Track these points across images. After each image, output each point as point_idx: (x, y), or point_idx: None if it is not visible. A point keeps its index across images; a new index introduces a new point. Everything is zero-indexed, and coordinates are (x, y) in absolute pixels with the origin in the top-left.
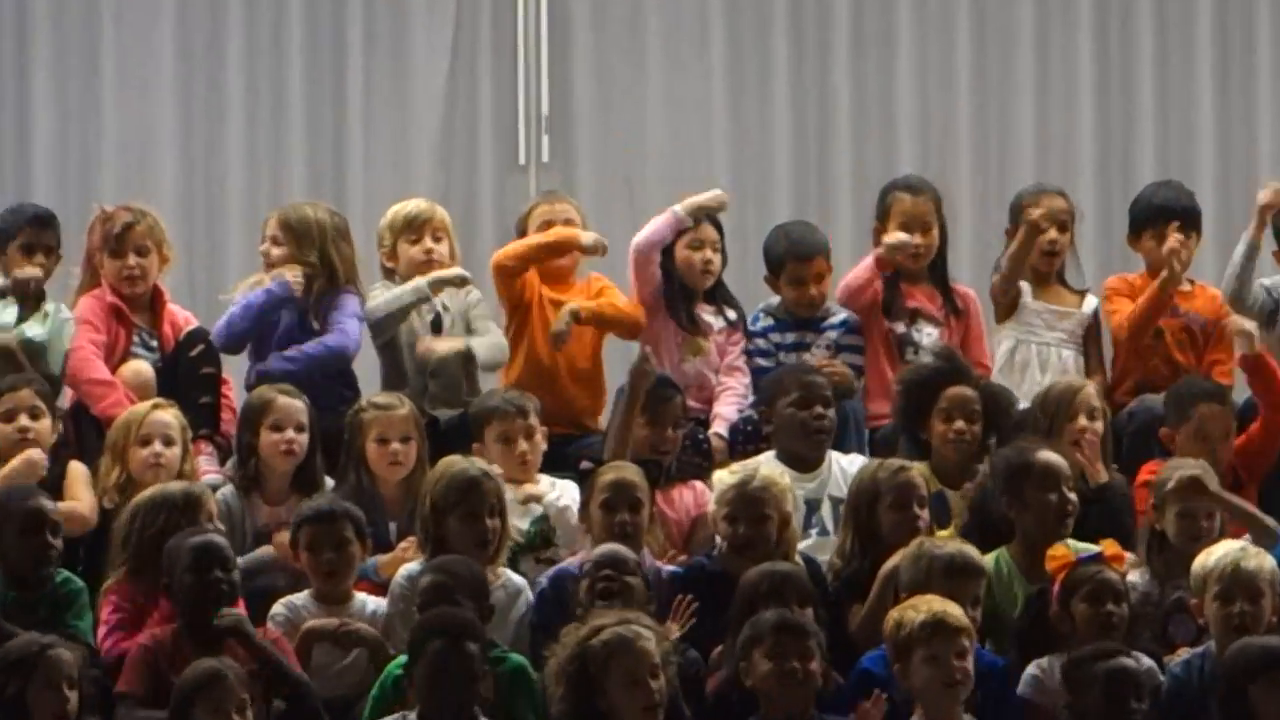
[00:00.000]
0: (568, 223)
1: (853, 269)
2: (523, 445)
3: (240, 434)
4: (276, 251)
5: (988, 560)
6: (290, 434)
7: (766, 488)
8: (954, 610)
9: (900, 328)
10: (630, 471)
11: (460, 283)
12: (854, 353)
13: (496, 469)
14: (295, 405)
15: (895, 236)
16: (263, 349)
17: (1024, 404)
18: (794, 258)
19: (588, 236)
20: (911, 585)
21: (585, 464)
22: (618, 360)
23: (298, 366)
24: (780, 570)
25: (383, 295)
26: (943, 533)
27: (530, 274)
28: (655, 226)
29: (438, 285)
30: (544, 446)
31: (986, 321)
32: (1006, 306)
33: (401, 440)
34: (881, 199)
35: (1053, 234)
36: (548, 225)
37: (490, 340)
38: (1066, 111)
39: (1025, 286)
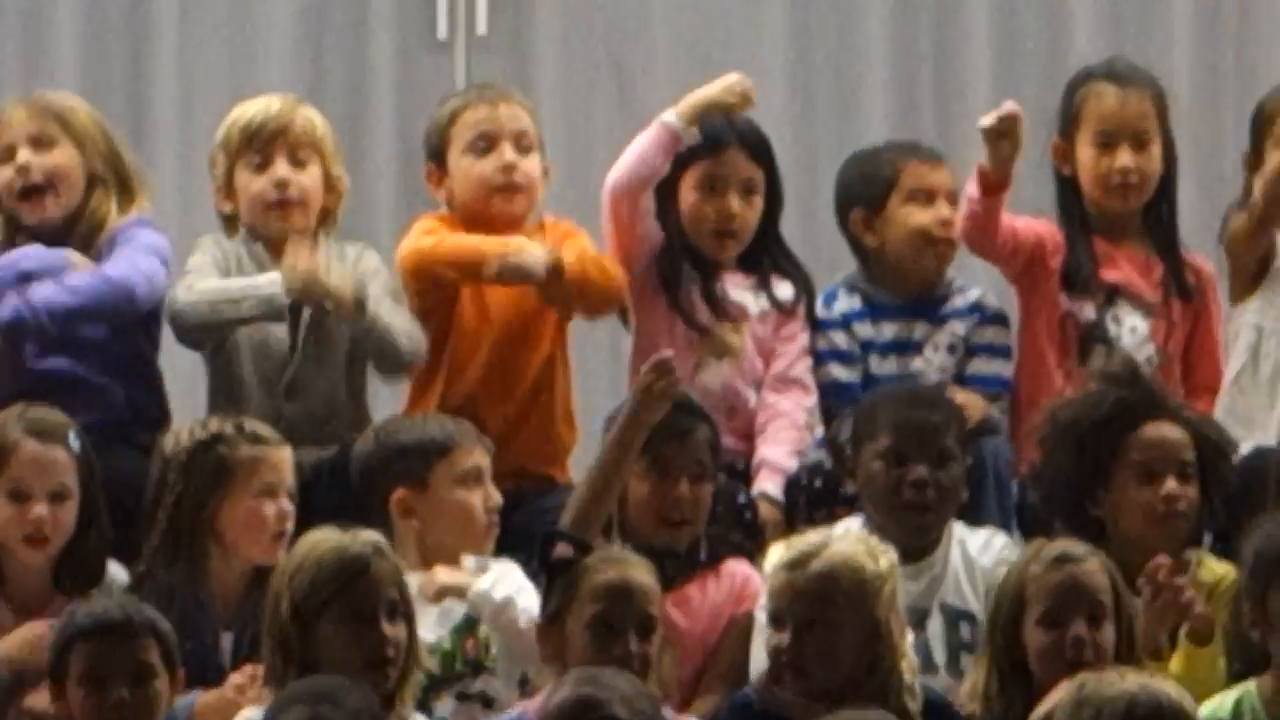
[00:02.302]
0: (519, 138)
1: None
2: (493, 494)
3: None
4: (43, 159)
5: (1224, 702)
6: (38, 509)
7: (837, 572)
8: None
9: (1088, 311)
10: (640, 570)
11: (343, 309)
12: (995, 357)
13: (407, 557)
14: (50, 458)
15: (1005, 108)
16: None
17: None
18: (918, 158)
19: (539, 254)
20: None
21: (561, 549)
22: (596, 361)
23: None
24: None
25: (203, 278)
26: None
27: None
28: (638, 147)
29: (308, 292)
30: None
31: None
32: (1250, 272)
33: (290, 495)
34: (1068, 96)
35: None
36: (485, 143)
37: (400, 310)
38: None
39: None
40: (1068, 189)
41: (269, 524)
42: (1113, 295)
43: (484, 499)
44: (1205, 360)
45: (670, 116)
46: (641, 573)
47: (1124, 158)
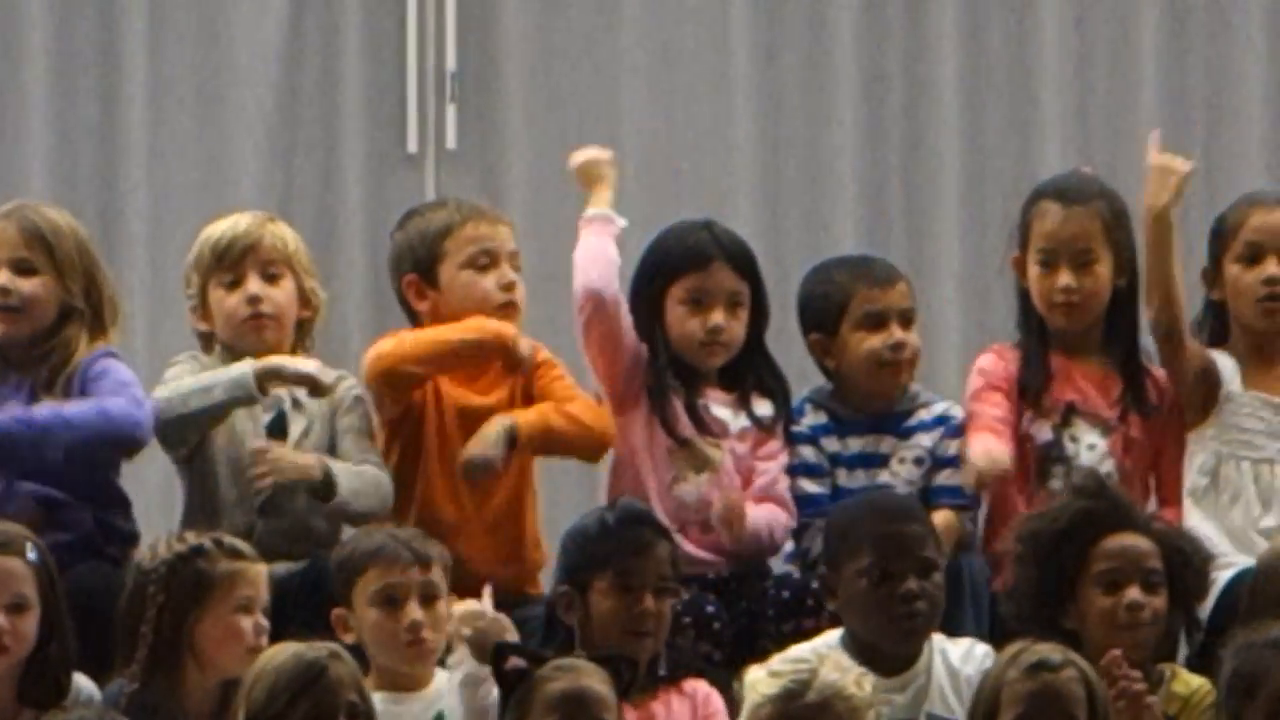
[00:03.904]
0: (513, 258)
1: None
2: (415, 613)
3: None
4: (23, 285)
5: None
6: None
7: (830, 703)
8: None
9: (1045, 432)
10: (594, 678)
11: (314, 388)
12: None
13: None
14: (7, 569)
15: (982, 453)
16: None
17: (1232, 561)
18: (867, 281)
19: (524, 344)
20: None
21: (515, 661)
22: (567, 484)
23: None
24: None
25: (178, 380)
26: None
27: None
28: (588, 249)
29: (270, 378)
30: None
31: None
32: (1199, 397)
33: (265, 611)
34: (1023, 213)
35: (1273, 267)
36: (488, 259)
37: (364, 472)
38: None
39: (1227, 366)
40: (1027, 302)
41: (246, 638)
42: (1069, 414)
43: (405, 616)
44: (1170, 476)
45: (589, 211)
46: (595, 680)
47: (1064, 277)
